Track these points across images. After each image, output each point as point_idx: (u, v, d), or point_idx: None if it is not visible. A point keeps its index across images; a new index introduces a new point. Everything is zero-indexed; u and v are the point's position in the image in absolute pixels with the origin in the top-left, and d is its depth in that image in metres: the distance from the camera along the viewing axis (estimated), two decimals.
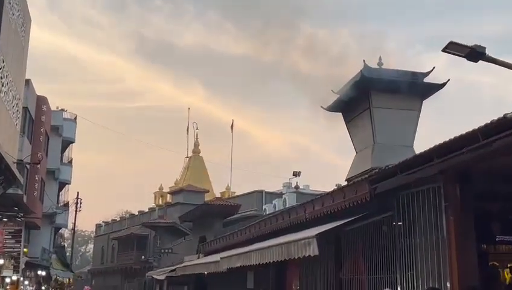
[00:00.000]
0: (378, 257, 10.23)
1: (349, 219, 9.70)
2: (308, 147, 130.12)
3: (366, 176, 9.56)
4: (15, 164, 22.93)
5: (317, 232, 9.61)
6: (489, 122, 6.54)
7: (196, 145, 55.96)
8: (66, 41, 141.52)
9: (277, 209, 28.37)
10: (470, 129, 6.87)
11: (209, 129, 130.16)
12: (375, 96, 19.55)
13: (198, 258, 22.04)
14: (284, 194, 33.82)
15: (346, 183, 21.16)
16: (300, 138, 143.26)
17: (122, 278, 50.65)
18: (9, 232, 25.81)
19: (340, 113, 21.46)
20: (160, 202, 53.46)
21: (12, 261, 26.05)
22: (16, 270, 26.90)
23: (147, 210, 53.63)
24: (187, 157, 55.29)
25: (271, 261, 11.91)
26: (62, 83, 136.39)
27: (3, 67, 19.16)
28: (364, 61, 19.93)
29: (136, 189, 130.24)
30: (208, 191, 47.13)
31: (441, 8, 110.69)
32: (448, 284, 8.20)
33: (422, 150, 8.45)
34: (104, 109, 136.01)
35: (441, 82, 20.29)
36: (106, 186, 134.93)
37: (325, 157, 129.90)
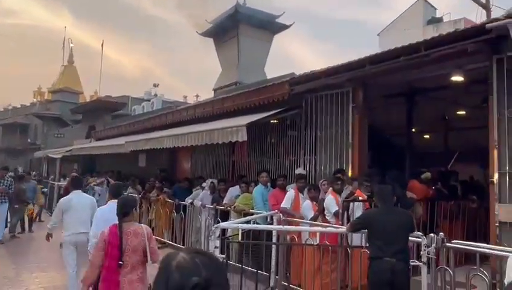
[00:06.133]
0: (285, 145, 8.80)
1: (273, 112, 7.99)
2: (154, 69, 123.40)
3: (288, 78, 7.88)
4: None
5: (246, 122, 7.78)
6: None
7: (71, 56, 48.50)
8: None
9: (145, 110, 25.36)
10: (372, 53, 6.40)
11: (79, 49, 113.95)
12: (242, 28, 17.82)
13: (90, 142, 18.68)
14: (151, 99, 30.37)
15: (213, 92, 19.45)
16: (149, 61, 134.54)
17: (6, 156, 43.35)
18: None
19: (211, 39, 19.32)
20: (39, 99, 46.02)
21: None
22: None
23: (28, 104, 45.99)
24: (63, 66, 47.88)
25: (188, 145, 9.65)
26: None
27: None
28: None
29: (16, 87, 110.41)
30: (82, 93, 42.01)
31: None
32: (349, 166, 7.25)
33: (340, 63, 7.17)
34: None
35: (288, 24, 19.21)
36: None
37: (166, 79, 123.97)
